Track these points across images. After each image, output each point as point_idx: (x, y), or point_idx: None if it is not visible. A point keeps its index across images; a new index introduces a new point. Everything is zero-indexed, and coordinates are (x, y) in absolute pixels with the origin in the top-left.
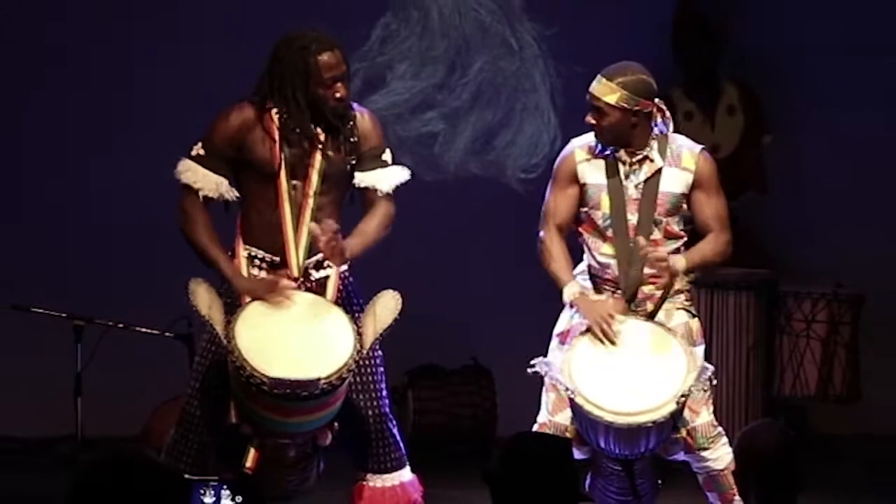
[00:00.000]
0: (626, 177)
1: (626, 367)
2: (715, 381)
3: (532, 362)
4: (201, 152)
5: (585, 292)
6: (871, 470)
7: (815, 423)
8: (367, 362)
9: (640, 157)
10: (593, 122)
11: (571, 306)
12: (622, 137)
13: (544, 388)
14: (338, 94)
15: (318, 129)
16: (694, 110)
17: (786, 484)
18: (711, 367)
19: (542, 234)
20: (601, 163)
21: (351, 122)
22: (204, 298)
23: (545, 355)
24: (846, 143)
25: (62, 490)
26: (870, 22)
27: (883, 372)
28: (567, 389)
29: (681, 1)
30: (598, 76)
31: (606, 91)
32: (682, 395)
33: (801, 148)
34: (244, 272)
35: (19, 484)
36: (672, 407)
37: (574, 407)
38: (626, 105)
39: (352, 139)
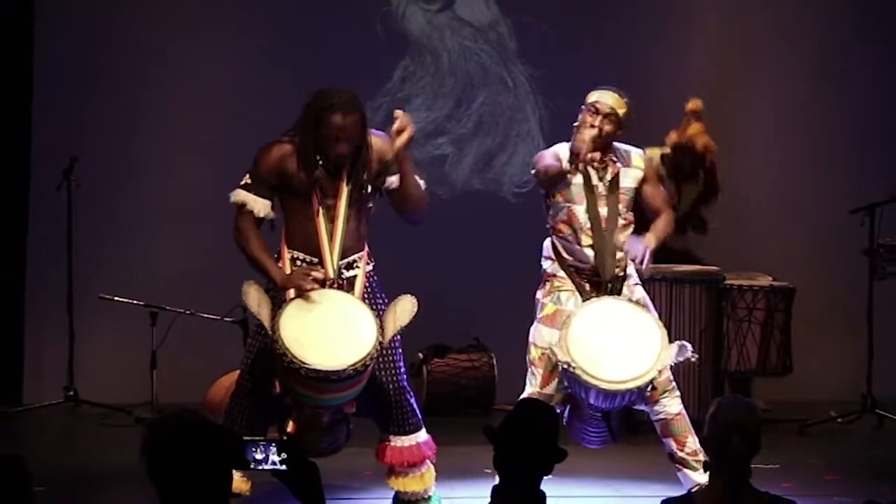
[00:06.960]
0: (601, 178)
1: (612, 342)
2: (686, 355)
3: (553, 350)
4: (249, 181)
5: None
6: (801, 430)
7: (756, 392)
8: (388, 345)
9: (606, 161)
10: (597, 126)
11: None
12: (604, 146)
13: (530, 367)
14: (337, 150)
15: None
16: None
17: (747, 450)
18: (690, 346)
19: None
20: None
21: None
22: (254, 297)
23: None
24: (780, 177)
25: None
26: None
27: (809, 350)
28: (569, 365)
29: None
30: (605, 89)
31: (619, 104)
32: (660, 369)
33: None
34: (288, 271)
35: (105, 441)
36: (653, 375)
37: (572, 376)
38: (625, 120)
39: (364, 170)
